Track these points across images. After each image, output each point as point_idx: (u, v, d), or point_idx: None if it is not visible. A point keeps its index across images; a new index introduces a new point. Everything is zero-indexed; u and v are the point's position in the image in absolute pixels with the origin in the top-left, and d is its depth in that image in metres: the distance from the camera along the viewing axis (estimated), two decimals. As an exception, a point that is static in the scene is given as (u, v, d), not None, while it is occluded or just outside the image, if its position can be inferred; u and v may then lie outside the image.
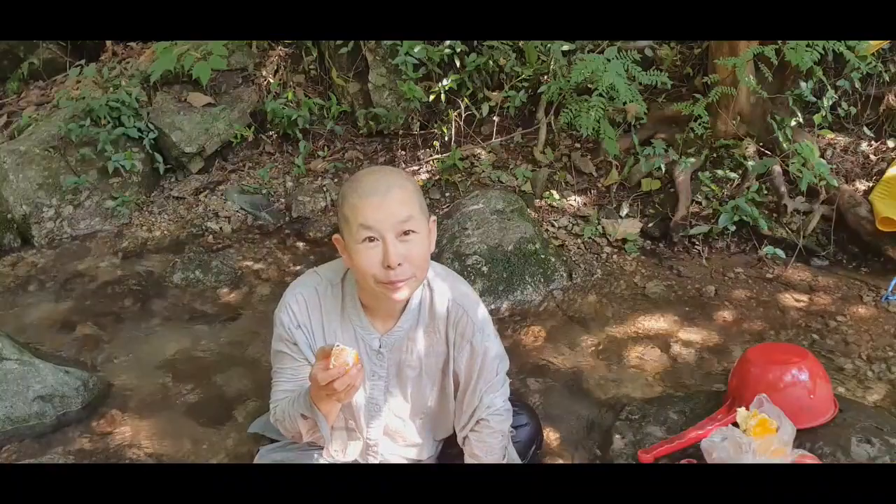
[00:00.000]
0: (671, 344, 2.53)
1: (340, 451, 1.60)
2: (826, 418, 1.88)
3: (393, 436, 1.73)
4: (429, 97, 3.63)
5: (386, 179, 1.45)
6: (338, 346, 1.35)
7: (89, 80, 3.87)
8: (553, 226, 3.21)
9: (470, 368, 1.65)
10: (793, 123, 3.25)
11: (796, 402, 1.85)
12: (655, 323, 2.65)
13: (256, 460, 1.78)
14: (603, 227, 3.19)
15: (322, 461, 1.72)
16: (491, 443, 1.69)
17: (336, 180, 3.61)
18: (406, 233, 1.42)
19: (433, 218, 1.55)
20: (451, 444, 1.86)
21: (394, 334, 1.60)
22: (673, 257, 3.06)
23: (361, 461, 1.74)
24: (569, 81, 3.21)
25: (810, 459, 1.72)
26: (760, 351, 2.03)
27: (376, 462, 1.74)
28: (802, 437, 1.79)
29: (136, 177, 3.60)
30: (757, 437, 1.72)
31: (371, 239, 1.41)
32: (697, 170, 3.29)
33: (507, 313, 2.72)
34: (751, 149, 3.27)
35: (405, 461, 1.78)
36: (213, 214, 3.49)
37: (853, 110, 3.36)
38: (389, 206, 1.40)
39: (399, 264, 1.41)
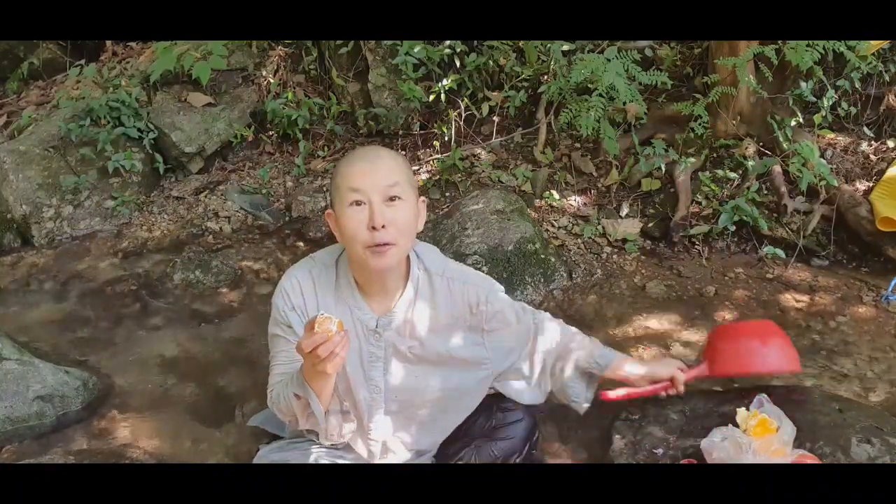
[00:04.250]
0: (671, 344, 2.53)
1: (336, 434, 1.59)
2: (777, 368, 1.98)
3: (394, 418, 1.73)
4: (429, 97, 3.63)
5: (377, 150, 1.59)
6: (322, 314, 1.36)
7: (89, 80, 3.87)
8: (553, 226, 3.21)
9: (503, 323, 1.74)
10: (793, 123, 3.25)
11: (746, 345, 1.95)
12: (655, 323, 2.65)
13: (256, 460, 1.78)
14: (603, 227, 3.19)
15: (323, 461, 1.73)
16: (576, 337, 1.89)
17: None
18: (392, 198, 1.50)
19: (423, 199, 1.63)
20: (450, 444, 1.87)
21: (392, 316, 1.63)
22: (673, 257, 3.06)
23: (363, 446, 1.74)
24: (569, 81, 3.21)
25: (810, 459, 1.72)
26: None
27: (377, 446, 1.74)
28: (802, 437, 1.79)
29: (136, 177, 3.60)
30: (757, 437, 1.72)
31: (358, 203, 1.49)
32: (697, 170, 3.29)
33: (507, 313, 2.72)
34: (751, 149, 3.27)
35: (406, 449, 1.78)
36: (213, 214, 3.49)
37: (853, 110, 3.36)
38: (377, 171, 1.50)
39: (383, 226, 1.48)
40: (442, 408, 1.76)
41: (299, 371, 1.48)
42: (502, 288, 1.78)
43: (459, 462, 1.79)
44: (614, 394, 1.95)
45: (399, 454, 1.79)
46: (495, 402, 1.91)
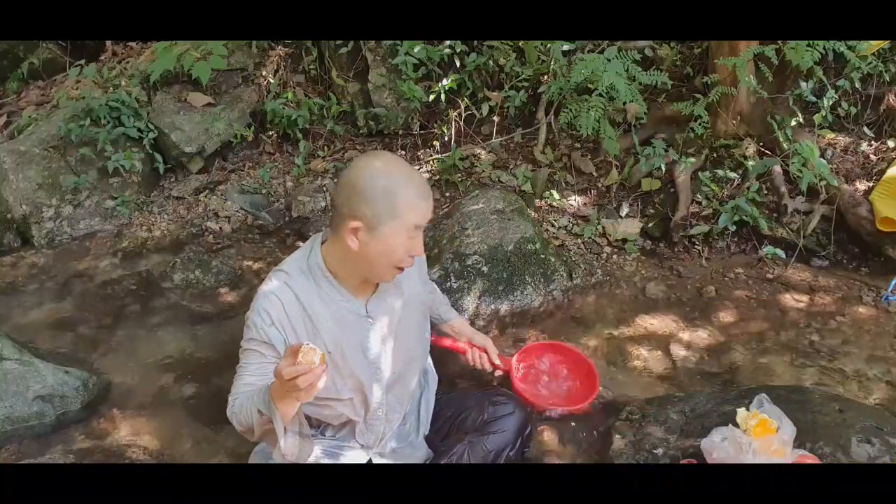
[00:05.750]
0: (671, 344, 2.53)
1: (291, 455, 1.59)
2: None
3: (393, 388, 1.78)
4: (429, 97, 3.63)
5: (428, 186, 1.65)
6: (307, 344, 1.38)
7: (89, 80, 3.87)
8: (553, 226, 3.21)
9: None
10: (793, 123, 3.25)
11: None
12: (655, 323, 2.65)
13: (252, 458, 1.79)
14: (603, 227, 3.19)
15: (323, 460, 1.73)
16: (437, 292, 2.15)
17: (336, 180, 3.61)
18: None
19: None
20: (442, 439, 1.88)
21: (377, 297, 1.71)
22: (673, 257, 3.06)
23: (364, 427, 1.77)
24: (569, 81, 3.21)
25: (810, 459, 1.72)
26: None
27: (381, 426, 1.77)
28: (802, 437, 1.79)
29: (135, 177, 3.60)
30: (757, 437, 1.72)
31: (411, 236, 1.59)
32: (697, 170, 3.29)
33: (507, 313, 2.72)
34: (751, 149, 3.27)
35: (401, 420, 1.83)
36: (213, 214, 3.49)
37: (853, 110, 3.36)
38: (432, 210, 1.63)
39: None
40: (420, 364, 1.86)
41: (267, 390, 1.48)
42: None
43: (453, 457, 1.80)
44: (437, 340, 2.17)
45: (399, 434, 1.84)
46: (486, 397, 1.93)
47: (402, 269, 1.62)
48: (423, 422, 1.92)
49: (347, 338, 1.65)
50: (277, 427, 1.48)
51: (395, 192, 1.54)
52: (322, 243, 1.69)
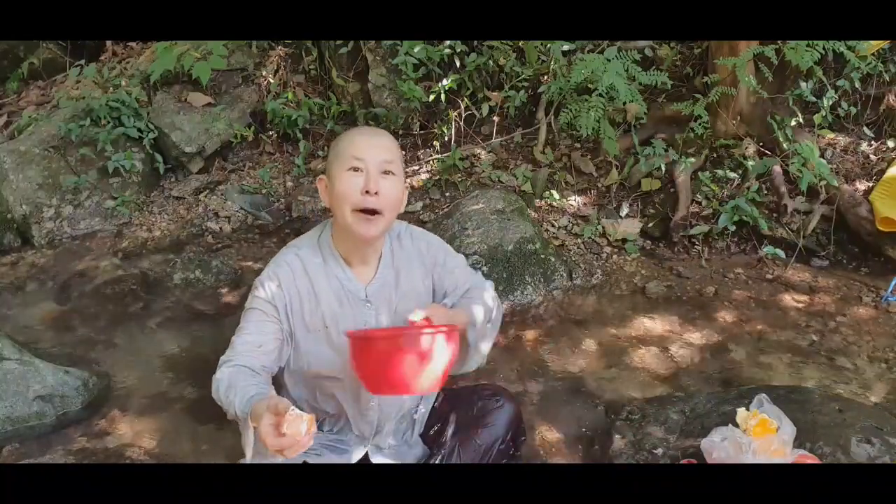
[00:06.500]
0: (671, 344, 2.53)
1: (262, 456, 1.57)
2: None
3: None
4: (429, 97, 3.63)
5: (378, 129, 1.75)
6: (293, 411, 1.31)
7: (89, 80, 3.87)
8: (553, 226, 3.21)
9: (454, 282, 1.83)
10: (793, 123, 3.25)
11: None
12: (655, 323, 2.65)
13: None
14: (603, 227, 3.19)
15: (323, 457, 1.73)
16: (478, 293, 1.80)
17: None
18: (386, 172, 1.63)
19: (407, 185, 1.77)
20: (434, 436, 1.88)
21: (376, 282, 1.72)
22: (673, 257, 3.06)
23: (359, 415, 1.77)
24: (569, 81, 3.22)
25: (810, 459, 1.72)
26: None
27: (374, 416, 1.77)
28: (802, 437, 1.79)
29: (135, 177, 3.60)
30: (757, 437, 1.72)
31: (357, 169, 1.61)
32: (697, 170, 3.29)
33: (508, 313, 2.72)
34: (751, 149, 3.27)
35: (395, 415, 1.83)
36: (213, 214, 3.49)
37: (853, 110, 3.36)
38: (379, 145, 1.65)
39: (376, 193, 1.60)
40: None
41: (248, 402, 1.45)
42: (462, 256, 1.89)
43: (444, 454, 1.80)
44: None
45: (393, 426, 1.83)
46: (476, 392, 1.93)
47: (363, 212, 1.59)
48: (420, 422, 1.92)
49: (345, 316, 1.69)
50: (247, 439, 1.46)
51: (339, 141, 1.69)
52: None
